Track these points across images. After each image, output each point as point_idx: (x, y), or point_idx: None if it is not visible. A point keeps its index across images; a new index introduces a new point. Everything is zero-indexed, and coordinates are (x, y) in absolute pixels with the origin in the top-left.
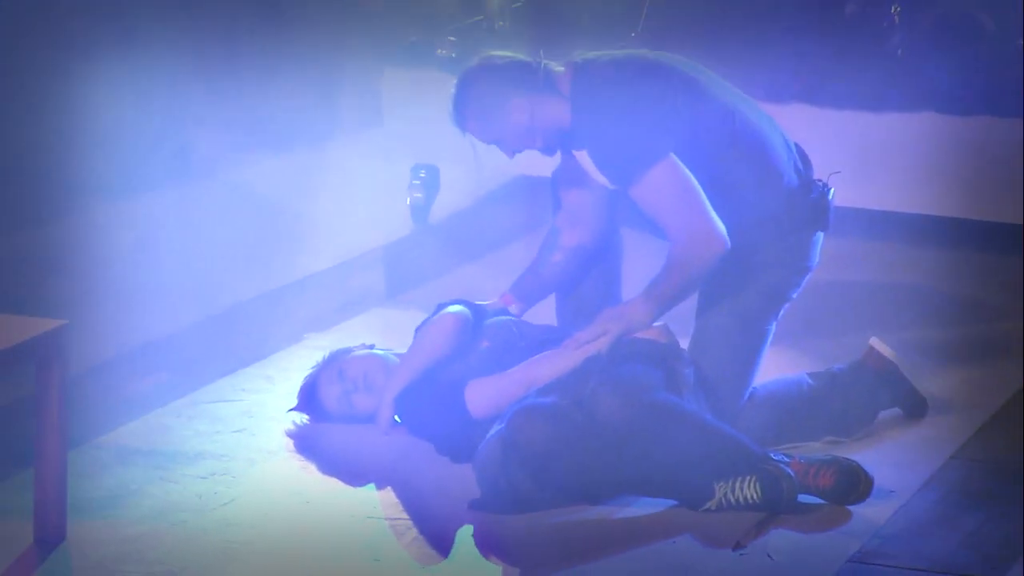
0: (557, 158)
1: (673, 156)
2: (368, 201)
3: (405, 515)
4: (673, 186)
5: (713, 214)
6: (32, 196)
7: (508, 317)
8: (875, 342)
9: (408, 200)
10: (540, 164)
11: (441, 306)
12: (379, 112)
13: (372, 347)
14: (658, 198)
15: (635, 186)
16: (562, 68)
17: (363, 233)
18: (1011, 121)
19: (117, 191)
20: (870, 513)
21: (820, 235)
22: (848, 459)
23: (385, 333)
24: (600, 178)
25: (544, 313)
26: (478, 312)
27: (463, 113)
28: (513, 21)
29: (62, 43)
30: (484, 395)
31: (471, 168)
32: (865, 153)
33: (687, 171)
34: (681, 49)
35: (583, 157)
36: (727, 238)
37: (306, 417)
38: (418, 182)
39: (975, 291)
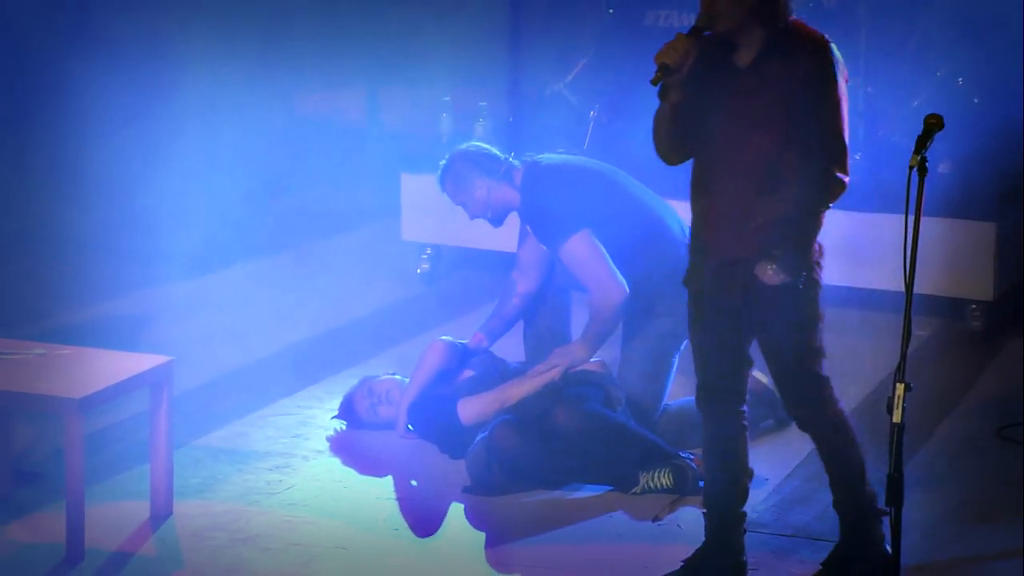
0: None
1: (587, 231)
2: (389, 270)
3: (415, 497)
4: (586, 251)
5: (615, 271)
6: (146, 265)
7: (486, 354)
8: (756, 373)
9: (419, 270)
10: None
11: None
12: (398, 205)
13: (394, 374)
14: (575, 259)
15: (559, 250)
16: (519, 164)
17: (385, 293)
18: (868, 215)
19: (210, 264)
20: (751, 494)
21: None
22: None
23: (402, 365)
24: (541, 245)
25: (514, 350)
26: (464, 349)
27: (444, 179)
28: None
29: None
30: (471, 409)
31: (463, 247)
32: None
33: (597, 241)
34: (617, 158)
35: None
36: (626, 288)
37: (345, 424)
38: (425, 256)
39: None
